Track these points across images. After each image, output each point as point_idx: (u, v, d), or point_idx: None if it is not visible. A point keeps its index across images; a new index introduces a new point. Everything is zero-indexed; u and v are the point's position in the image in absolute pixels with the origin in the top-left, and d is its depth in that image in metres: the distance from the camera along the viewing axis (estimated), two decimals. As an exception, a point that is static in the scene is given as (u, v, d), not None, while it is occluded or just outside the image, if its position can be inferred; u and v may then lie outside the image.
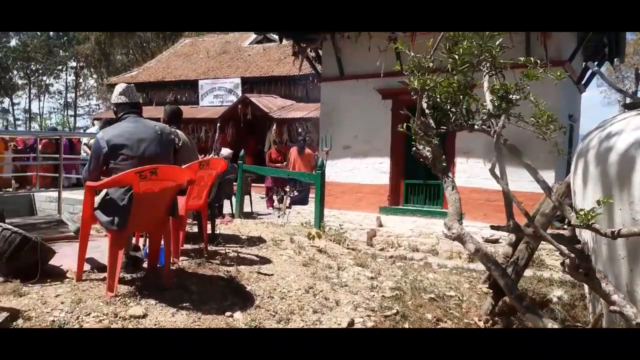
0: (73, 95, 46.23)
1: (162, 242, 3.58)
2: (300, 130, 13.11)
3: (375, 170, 8.08)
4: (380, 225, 7.69)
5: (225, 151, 9.91)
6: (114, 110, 3.35)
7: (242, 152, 7.73)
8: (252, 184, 10.17)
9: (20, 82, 45.47)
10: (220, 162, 4.40)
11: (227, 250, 4.50)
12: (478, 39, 2.75)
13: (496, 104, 2.89)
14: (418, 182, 8.07)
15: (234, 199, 8.27)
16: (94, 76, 30.51)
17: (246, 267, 4.03)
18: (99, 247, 3.81)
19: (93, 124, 17.19)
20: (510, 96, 2.86)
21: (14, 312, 2.66)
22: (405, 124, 3.30)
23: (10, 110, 45.51)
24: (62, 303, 2.87)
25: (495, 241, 6.66)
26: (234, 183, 7.33)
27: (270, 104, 14.45)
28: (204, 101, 16.57)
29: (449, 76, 3.07)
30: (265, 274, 3.92)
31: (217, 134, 14.63)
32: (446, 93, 3.09)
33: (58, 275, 3.30)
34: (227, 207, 7.78)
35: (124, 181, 3.03)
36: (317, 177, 6.45)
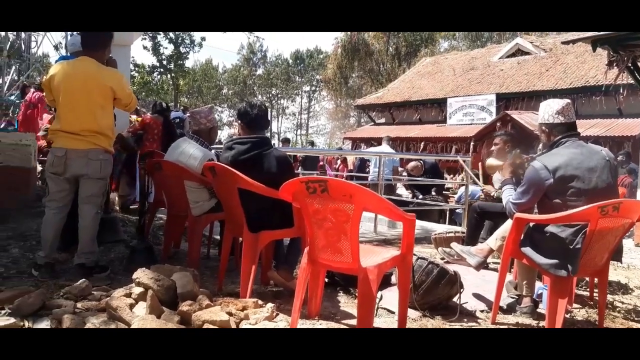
0: (305, 116, 51.44)
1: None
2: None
3: None
4: None
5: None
6: (545, 131, 2.93)
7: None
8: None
9: (263, 104, 52.65)
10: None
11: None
12: None
13: None
14: None
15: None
16: (332, 98, 33.03)
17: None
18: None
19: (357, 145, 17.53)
20: None
21: None
22: None
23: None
24: (504, 354, 2.48)
25: None
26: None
27: (534, 120, 13.09)
28: (451, 119, 16.08)
29: None
30: None
31: (469, 154, 13.92)
32: None
33: (468, 314, 2.99)
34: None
35: (581, 218, 2.53)
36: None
